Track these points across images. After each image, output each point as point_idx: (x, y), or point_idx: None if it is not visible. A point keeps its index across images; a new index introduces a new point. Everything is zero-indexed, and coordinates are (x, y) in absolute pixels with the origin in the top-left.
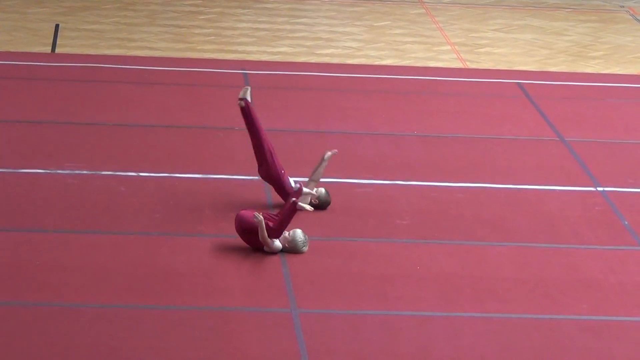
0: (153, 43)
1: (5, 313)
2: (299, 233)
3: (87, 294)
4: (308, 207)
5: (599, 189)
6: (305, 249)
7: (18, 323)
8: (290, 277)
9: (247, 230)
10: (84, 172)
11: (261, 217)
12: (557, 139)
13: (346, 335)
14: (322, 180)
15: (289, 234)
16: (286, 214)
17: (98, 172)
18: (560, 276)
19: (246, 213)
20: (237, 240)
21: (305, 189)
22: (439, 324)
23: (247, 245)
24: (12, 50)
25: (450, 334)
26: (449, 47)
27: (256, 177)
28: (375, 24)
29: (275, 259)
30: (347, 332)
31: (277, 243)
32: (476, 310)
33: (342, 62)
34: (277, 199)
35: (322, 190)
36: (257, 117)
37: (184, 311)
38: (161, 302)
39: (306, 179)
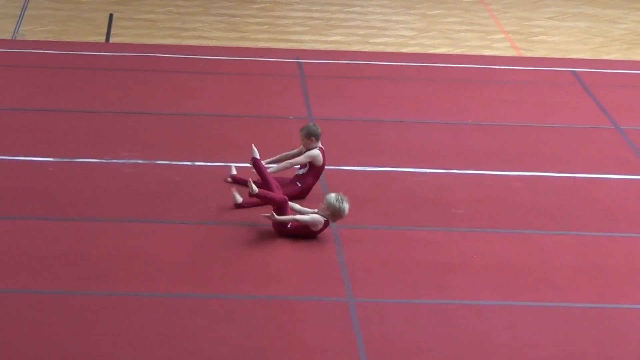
0: (207, 32)
1: (63, 302)
2: (330, 196)
3: (145, 283)
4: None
5: None
6: (345, 205)
7: (76, 312)
8: (346, 266)
9: (289, 230)
10: (140, 161)
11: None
12: (612, 127)
13: (402, 324)
14: (377, 169)
15: (323, 204)
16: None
17: (154, 162)
18: (617, 265)
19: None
20: (293, 229)
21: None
22: (495, 313)
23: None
24: (66, 40)
25: (507, 323)
26: (502, 36)
27: None
28: (429, 12)
29: (331, 248)
30: (404, 321)
31: (316, 216)
32: (533, 299)
33: (395, 51)
34: (335, 191)
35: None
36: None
37: (241, 300)
38: (218, 291)
39: (358, 168)
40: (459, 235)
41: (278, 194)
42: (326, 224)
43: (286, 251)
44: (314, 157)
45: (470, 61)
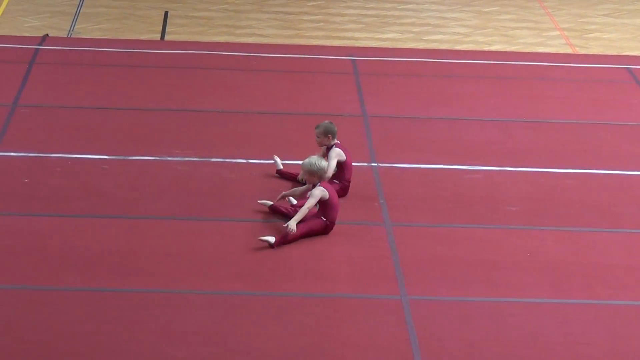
0: (261, 30)
1: (115, 300)
2: (305, 164)
3: (196, 280)
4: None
5: None
6: (316, 159)
7: (128, 309)
8: (399, 264)
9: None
10: (193, 159)
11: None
12: None
13: (456, 322)
14: (430, 166)
15: (305, 176)
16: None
17: (207, 159)
18: None
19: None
20: (345, 227)
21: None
22: (548, 311)
23: (356, 233)
24: (122, 37)
25: (559, 321)
26: (557, 33)
27: (364, 164)
28: (484, 10)
29: (384, 245)
30: (457, 318)
31: (316, 191)
32: (585, 297)
33: (450, 48)
34: (388, 189)
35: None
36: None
37: (293, 298)
38: (269, 288)
39: (410, 166)
40: (511, 233)
41: (313, 220)
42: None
43: (339, 248)
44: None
45: (524, 58)
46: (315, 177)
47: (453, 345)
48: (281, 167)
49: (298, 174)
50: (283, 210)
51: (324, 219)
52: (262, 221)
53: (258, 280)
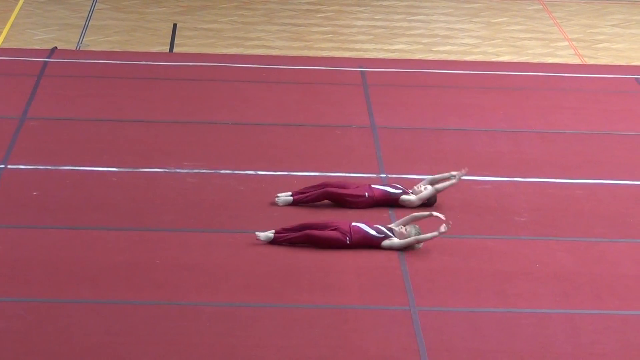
0: (270, 42)
1: (125, 312)
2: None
3: (206, 292)
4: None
5: None
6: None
7: (137, 322)
8: (409, 275)
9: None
10: (203, 170)
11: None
12: None
13: (465, 333)
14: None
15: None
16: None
17: (217, 171)
18: None
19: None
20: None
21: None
22: (558, 322)
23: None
24: (131, 50)
25: (569, 332)
26: (566, 43)
27: (373, 175)
28: (493, 21)
29: (393, 256)
30: (466, 329)
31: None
32: (596, 308)
33: (459, 59)
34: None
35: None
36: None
37: (303, 309)
38: (280, 300)
39: (420, 176)
40: (521, 243)
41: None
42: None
43: (348, 260)
44: None
45: (533, 69)
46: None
47: (462, 356)
48: (291, 200)
49: (312, 193)
50: (283, 238)
51: (348, 240)
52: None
53: (267, 292)
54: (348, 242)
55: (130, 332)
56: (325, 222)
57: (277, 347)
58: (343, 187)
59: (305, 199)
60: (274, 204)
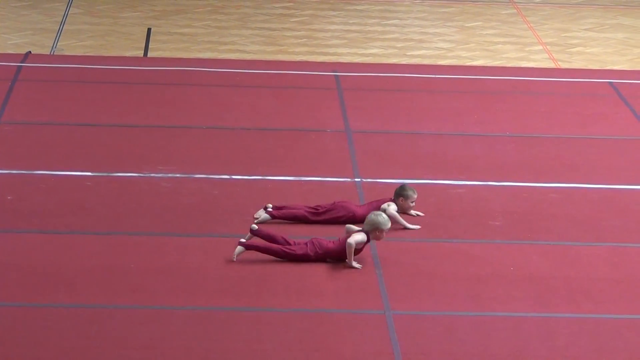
0: (244, 46)
1: (100, 316)
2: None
3: (181, 296)
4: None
5: None
6: (382, 217)
7: (113, 326)
8: (383, 279)
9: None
10: (177, 175)
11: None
12: None
13: (440, 337)
14: (414, 181)
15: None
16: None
17: (191, 175)
18: None
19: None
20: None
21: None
22: (532, 325)
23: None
24: (105, 54)
25: (544, 335)
26: (540, 47)
27: (348, 179)
28: (467, 25)
29: (368, 260)
30: (441, 333)
31: (358, 236)
32: (570, 311)
33: (433, 63)
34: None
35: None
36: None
37: (278, 313)
38: (253, 303)
39: (394, 180)
40: (495, 247)
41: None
42: (368, 240)
43: (323, 264)
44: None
45: (507, 73)
46: (369, 227)
47: (437, 359)
48: (269, 217)
49: (293, 209)
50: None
51: (313, 251)
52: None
53: (242, 296)
54: (313, 256)
55: (106, 336)
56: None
57: (251, 351)
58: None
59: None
60: (249, 207)
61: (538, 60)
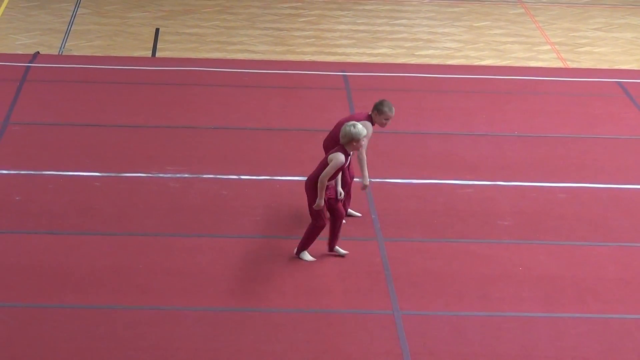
0: (253, 46)
1: (109, 317)
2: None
3: (189, 297)
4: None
5: None
6: (355, 127)
7: (120, 327)
8: (392, 279)
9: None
10: (186, 175)
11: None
12: None
13: (448, 337)
14: (423, 181)
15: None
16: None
17: (199, 176)
18: None
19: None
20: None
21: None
22: (541, 325)
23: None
24: (113, 55)
25: (552, 335)
26: (549, 47)
27: (357, 179)
28: (475, 25)
29: (377, 260)
30: (450, 333)
31: (337, 158)
32: (579, 311)
33: (441, 63)
34: (381, 204)
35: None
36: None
37: (286, 314)
38: (262, 304)
39: (403, 181)
40: (504, 247)
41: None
42: (347, 155)
43: (331, 264)
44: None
45: (516, 73)
46: (345, 140)
47: (446, 359)
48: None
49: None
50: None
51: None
52: (255, 237)
53: (251, 297)
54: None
55: (114, 337)
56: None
57: (260, 352)
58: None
59: None
60: (257, 208)
61: (546, 60)
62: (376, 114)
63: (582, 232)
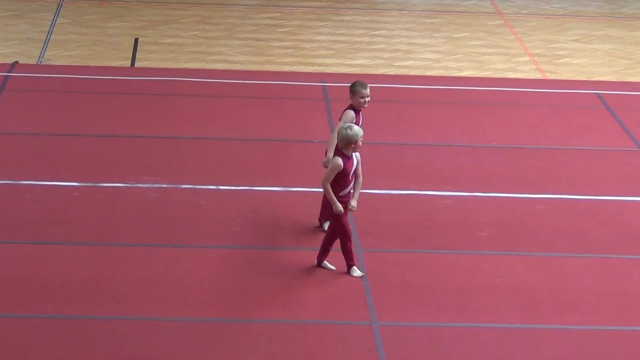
0: (232, 56)
1: (87, 327)
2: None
3: (167, 307)
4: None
5: None
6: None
7: (98, 337)
8: (370, 290)
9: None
10: (164, 185)
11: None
12: (637, 149)
13: (426, 348)
14: (401, 192)
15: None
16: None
17: (177, 186)
18: None
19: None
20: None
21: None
22: (519, 336)
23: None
24: (92, 64)
25: (530, 347)
26: (527, 58)
27: None
28: (454, 36)
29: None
30: (427, 344)
31: (334, 162)
32: (556, 323)
33: (420, 74)
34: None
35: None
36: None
37: (264, 324)
38: (241, 315)
39: (381, 191)
40: (482, 258)
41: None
42: (345, 157)
43: (309, 275)
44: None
45: (495, 84)
46: (342, 144)
47: None
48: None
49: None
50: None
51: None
52: (233, 247)
53: (229, 307)
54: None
55: (91, 348)
56: None
57: None
58: None
59: None
60: (235, 218)
61: (525, 71)
62: (352, 97)
63: (560, 243)
